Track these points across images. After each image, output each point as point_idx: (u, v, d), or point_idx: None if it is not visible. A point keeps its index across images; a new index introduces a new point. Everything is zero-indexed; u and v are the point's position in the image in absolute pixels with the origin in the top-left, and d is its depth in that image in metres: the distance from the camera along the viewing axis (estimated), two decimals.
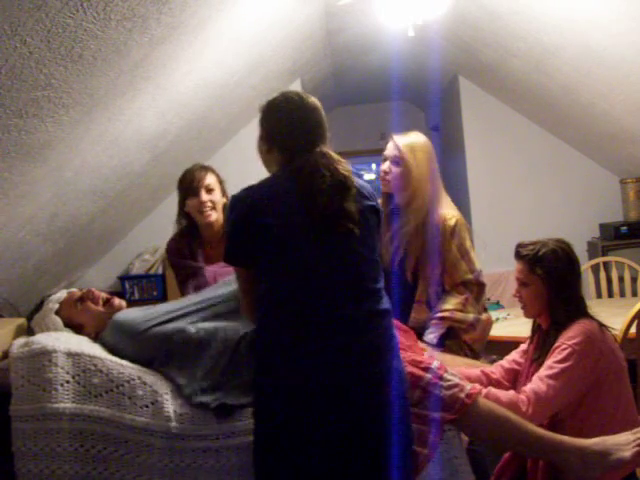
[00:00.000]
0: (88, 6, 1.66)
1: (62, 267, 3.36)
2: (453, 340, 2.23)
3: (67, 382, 1.67)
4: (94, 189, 2.91)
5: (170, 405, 1.72)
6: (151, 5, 1.94)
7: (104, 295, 2.09)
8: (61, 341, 1.78)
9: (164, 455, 1.66)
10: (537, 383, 1.83)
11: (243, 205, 1.61)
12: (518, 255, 1.98)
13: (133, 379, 1.75)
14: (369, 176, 8.19)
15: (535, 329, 2.05)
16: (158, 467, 1.66)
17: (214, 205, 2.47)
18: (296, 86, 4.61)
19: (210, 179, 2.49)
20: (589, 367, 1.80)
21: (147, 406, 1.71)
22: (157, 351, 1.85)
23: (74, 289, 2.14)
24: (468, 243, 2.29)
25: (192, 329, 1.86)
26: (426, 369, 1.73)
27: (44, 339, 1.78)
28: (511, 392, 1.87)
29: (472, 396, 1.70)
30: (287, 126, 1.66)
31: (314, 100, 1.71)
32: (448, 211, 2.31)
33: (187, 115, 3.22)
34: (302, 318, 1.54)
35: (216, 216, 2.47)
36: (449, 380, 1.72)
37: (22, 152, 2.07)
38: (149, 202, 4.10)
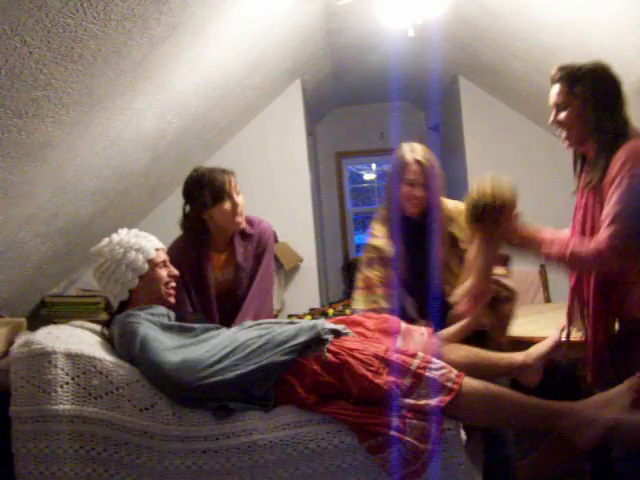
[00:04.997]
0: (88, 6, 1.66)
1: (62, 267, 3.36)
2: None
3: (67, 384, 1.67)
4: (94, 189, 2.91)
5: (169, 407, 1.72)
6: (151, 5, 1.94)
7: (174, 283, 2.13)
8: (61, 341, 1.77)
9: (164, 457, 1.66)
10: (602, 229, 1.69)
11: None
12: (555, 78, 1.90)
13: (133, 381, 1.74)
14: (369, 176, 8.17)
15: (577, 159, 1.95)
16: (158, 469, 1.65)
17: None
18: (296, 86, 4.61)
19: (236, 182, 2.41)
20: None
21: (147, 408, 1.70)
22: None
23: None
24: None
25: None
26: (414, 355, 1.77)
27: (43, 339, 1.77)
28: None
29: (461, 376, 1.72)
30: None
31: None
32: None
33: (187, 115, 3.22)
34: None
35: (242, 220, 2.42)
36: (437, 363, 1.75)
37: (22, 152, 2.07)
38: (149, 202, 4.09)
